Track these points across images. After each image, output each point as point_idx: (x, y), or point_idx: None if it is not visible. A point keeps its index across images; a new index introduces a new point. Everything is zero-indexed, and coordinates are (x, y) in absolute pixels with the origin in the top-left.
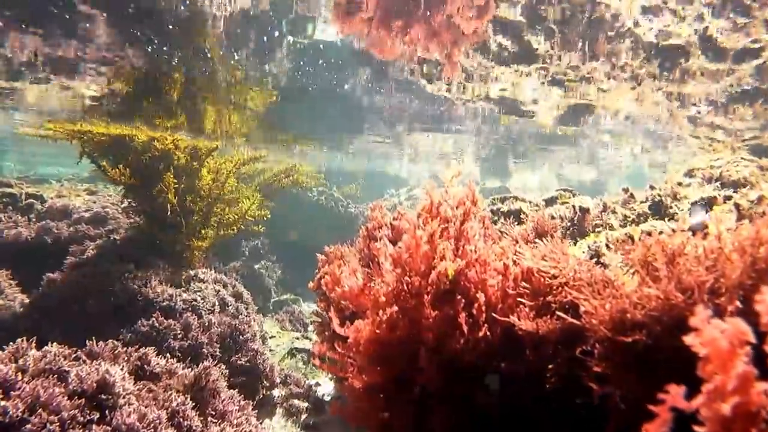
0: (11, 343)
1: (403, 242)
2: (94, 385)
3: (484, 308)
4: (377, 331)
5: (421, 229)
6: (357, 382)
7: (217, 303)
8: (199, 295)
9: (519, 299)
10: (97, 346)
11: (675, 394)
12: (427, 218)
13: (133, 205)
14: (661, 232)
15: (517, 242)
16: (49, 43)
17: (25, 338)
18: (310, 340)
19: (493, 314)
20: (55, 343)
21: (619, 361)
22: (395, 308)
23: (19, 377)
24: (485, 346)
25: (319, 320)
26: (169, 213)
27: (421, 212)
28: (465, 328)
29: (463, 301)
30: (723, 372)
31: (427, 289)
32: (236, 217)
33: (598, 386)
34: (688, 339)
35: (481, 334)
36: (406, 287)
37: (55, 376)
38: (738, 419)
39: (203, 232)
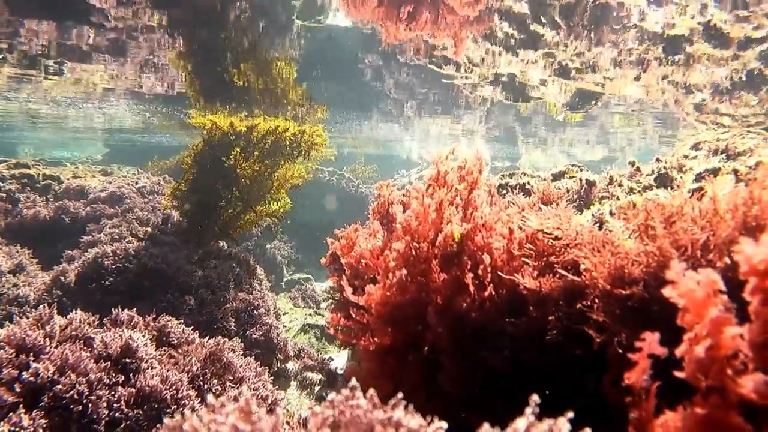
0: None
1: (411, 210)
2: (119, 349)
3: (489, 270)
4: (388, 293)
5: (429, 197)
6: (369, 345)
7: (231, 279)
8: (215, 272)
9: (523, 260)
10: (121, 314)
11: (651, 340)
12: (434, 187)
13: (185, 192)
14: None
15: (523, 209)
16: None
17: (46, 305)
18: (323, 316)
19: (499, 274)
20: (79, 311)
21: (617, 313)
22: (405, 272)
23: (48, 342)
24: (491, 305)
25: (333, 296)
26: (223, 205)
27: (429, 182)
28: (472, 289)
29: (470, 263)
30: (699, 319)
31: (434, 253)
32: (266, 213)
33: (599, 335)
34: (666, 291)
35: (486, 293)
36: (415, 252)
37: (81, 341)
38: (714, 361)
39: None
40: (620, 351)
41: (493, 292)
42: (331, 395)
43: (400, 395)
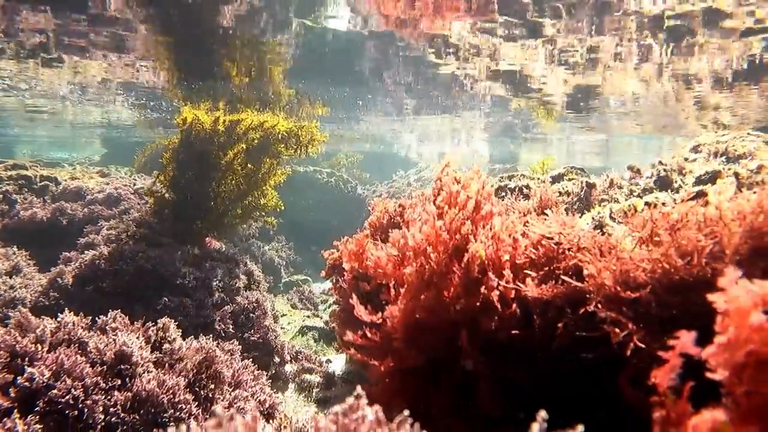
0: None
1: (423, 233)
2: (113, 353)
3: (512, 284)
4: (416, 315)
5: (440, 219)
6: (392, 367)
7: (229, 281)
8: (212, 274)
9: (526, 272)
10: (114, 317)
11: (685, 340)
12: (444, 208)
13: (168, 186)
14: (664, 203)
15: (525, 215)
16: None
17: (21, 308)
18: (321, 318)
19: (512, 287)
20: (71, 313)
21: (627, 316)
22: (433, 292)
23: (39, 347)
24: (513, 321)
25: (337, 301)
26: (213, 201)
27: (437, 202)
28: (498, 308)
29: (493, 282)
30: (739, 324)
31: (454, 274)
32: (254, 207)
33: (616, 334)
34: (713, 297)
35: (510, 311)
36: (435, 268)
37: (76, 345)
38: (750, 365)
39: (224, 218)
40: (640, 346)
41: (517, 310)
42: (335, 407)
43: (406, 413)
